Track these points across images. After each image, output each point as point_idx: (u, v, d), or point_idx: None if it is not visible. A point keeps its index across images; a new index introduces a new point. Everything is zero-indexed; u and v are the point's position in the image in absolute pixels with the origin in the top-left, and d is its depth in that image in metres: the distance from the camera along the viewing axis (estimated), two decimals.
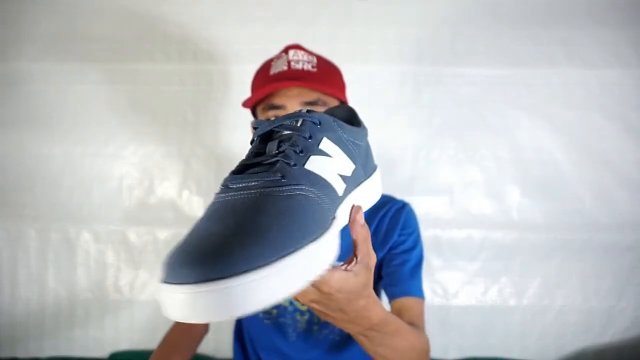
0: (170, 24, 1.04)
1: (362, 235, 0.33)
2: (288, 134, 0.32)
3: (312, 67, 0.63)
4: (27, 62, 1.04)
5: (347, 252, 0.35)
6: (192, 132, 1.05)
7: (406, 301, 0.64)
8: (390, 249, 0.68)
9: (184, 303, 0.21)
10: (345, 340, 0.69)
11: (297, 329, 0.70)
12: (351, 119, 0.43)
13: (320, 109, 0.60)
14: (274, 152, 0.31)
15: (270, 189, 0.28)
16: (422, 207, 1.02)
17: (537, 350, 1.04)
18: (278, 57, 0.65)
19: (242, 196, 0.27)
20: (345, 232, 0.34)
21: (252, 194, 0.27)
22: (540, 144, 1.03)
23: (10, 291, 1.06)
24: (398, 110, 1.04)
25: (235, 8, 1.03)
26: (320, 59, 0.65)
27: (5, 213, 1.05)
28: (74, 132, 1.05)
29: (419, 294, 0.66)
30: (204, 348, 1.00)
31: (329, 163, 0.32)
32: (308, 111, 0.34)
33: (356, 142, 0.37)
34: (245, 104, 0.65)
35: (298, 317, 0.70)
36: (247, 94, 0.66)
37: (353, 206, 0.35)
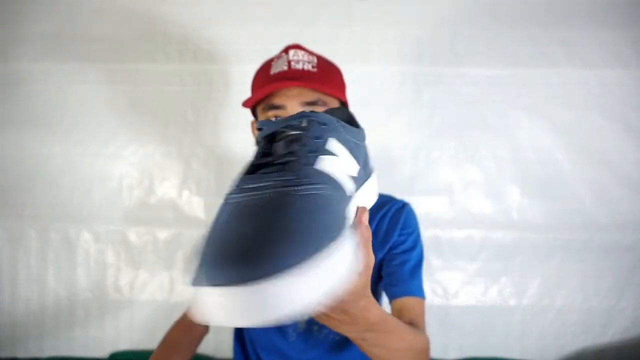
0: (170, 24, 1.04)
1: (366, 236, 0.33)
2: (296, 134, 0.32)
3: (312, 67, 0.63)
4: (27, 62, 1.04)
5: None
6: (192, 132, 1.05)
7: (407, 301, 0.64)
8: (390, 249, 0.67)
9: (226, 305, 0.21)
10: (345, 340, 0.69)
11: (297, 328, 0.70)
12: (350, 120, 0.43)
13: (320, 109, 0.60)
14: (283, 152, 0.31)
15: (286, 188, 0.27)
16: (422, 207, 1.02)
17: (537, 350, 1.04)
18: (278, 57, 0.65)
19: (259, 196, 0.27)
20: None
21: (269, 194, 0.27)
22: (540, 144, 1.03)
23: (10, 291, 1.06)
24: (398, 110, 1.04)
25: (235, 8, 1.03)
26: (320, 59, 0.65)
27: (5, 213, 1.05)
28: (74, 132, 1.05)
29: (420, 293, 0.66)
30: (204, 348, 1.00)
31: (337, 163, 0.32)
32: (311, 111, 0.34)
33: (358, 142, 0.37)
34: (245, 104, 0.65)
35: None
36: (247, 94, 0.66)
37: (358, 207, 0.35)
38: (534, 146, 1.03)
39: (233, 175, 1.10)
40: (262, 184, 0.28)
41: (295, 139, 0.32)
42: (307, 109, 0.60)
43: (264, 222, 0.24)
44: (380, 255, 0.67)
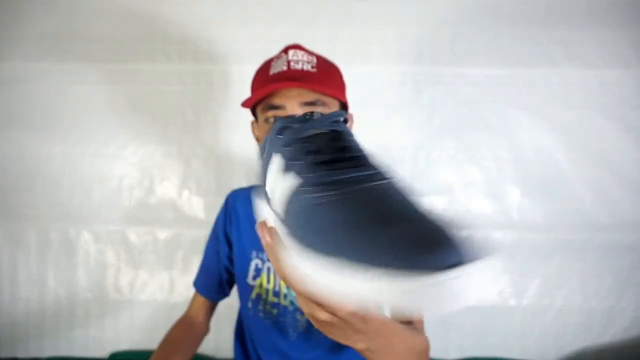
0: (170, 24, 1.04)
1: None
2: (335, 131, 0.32)
3: (312, 67, 0.62)
4: (27, 62, 1.04)
5: None
6: (192, 132, 1.05)
7: None
8: None
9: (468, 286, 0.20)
10: None
11: (298, 328, 0.71)
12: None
13: (319, 109, 0.60)
14: (338, 146, 0.31)
15: (385, 180, 0.27)
16: None
17: (537, 350, 1.04)
18: (278, 57, 0.65)
19: (367, 188, 0.26)
20: None
21: (378, 185, 0.27)
22: (540, 144, 1.03)
23: (10, 291, 1.06)
24: (398, 110, 1.04)
25: (235, 8, 1.03)
26: (320, 59, 0.65)
27: (5, 213, 1.05)
28: (74, 132, 1.05)
29: None
30: (205, 348, 1.00)
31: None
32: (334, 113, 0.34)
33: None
34: (244, 104, 0.65)
35: (298, 316, 0.70)
36: (247, 94, 0.66)
37: None
38: (534, 146, 1.03)
39: (233, 175, 1.10)
40: (365, 175, 0.27)
41: (337, 137, 0.32)
42: (307, 109, 0.60)
43: (413, 209, 0.24)
44: None
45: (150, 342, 1.04)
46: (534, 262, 1.03)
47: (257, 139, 0.70)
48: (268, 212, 0.35)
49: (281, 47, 0.67)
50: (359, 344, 0.36)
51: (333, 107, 0.63)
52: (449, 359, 1.05)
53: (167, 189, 1.06)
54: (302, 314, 0.70)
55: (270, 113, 0.61)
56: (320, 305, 0.31)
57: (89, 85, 1.05)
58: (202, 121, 1.05)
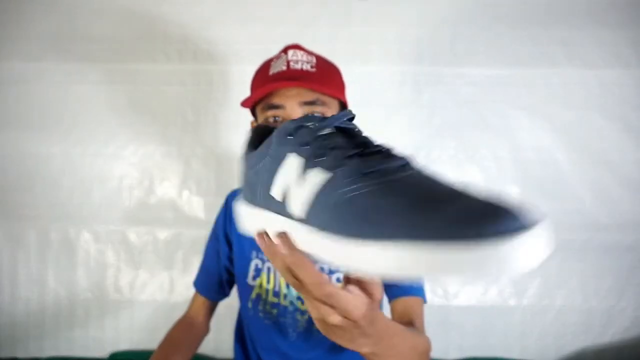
0: (170, 24, 1.04)
1: None
2: (349, 129, 0.34)
3: (311, 67, 0.63)
4: (27, 62, 1.04)
5: None
6: (192, 132, 1.05)
7: (407, 301, 0.64)
8: None
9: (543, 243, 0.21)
10: None
11: (298, 328, 0.71)
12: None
13: (318, 109, 0.60)
14: (361, 142, 0.32)
15: (414, 169, 0.29)
16: None
17: (537, 350, 1.04)
18: (277, 57, 0.65)
19: (406, 175, 0.28)
20: None
21: (411, 173, 0.28)
22: (540, 144, 1.03)
23: (10, 291, 1.06)
24: (398, 110, 1.04)
25: (235, 8, 1.03)
26: (319, 59, 0.65)
27: (5, 213, 1.05)
28: (74, 132, 1.05)
29: (419, 293, 0.66)
30: (205, 348, 1.00)
31: None
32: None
33: None
34: (244, 104, 0.65)
35: (298, 317, 0.70)
36: (247, 93, 0.66)
37: None
38: (534, 146, 1.03)
39: (233, 175, 1.10)
40: (383, 167, 0.28)
41: (354, 134, 0.33)
42: (306, 108, 0.60)
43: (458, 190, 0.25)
44: None
45: (150, 342, 1.04)
46: None
47: None
48: (270, 219, 0.34)
49: (281, 47, 0.67)
50: (364, 348, 0.36)
51: (333, 106, 0.63)
52: (449, 359, 1.05)
53: (167, 189, 1.06)
54: (302, 314, 0.70)
55: (270, 113, 0.61)
56: (333, 308, 0.31)
57: (89, 85, 1.05)
58: (202, 121, 1.05)
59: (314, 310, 0.32)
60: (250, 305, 0.73)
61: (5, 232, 1.06)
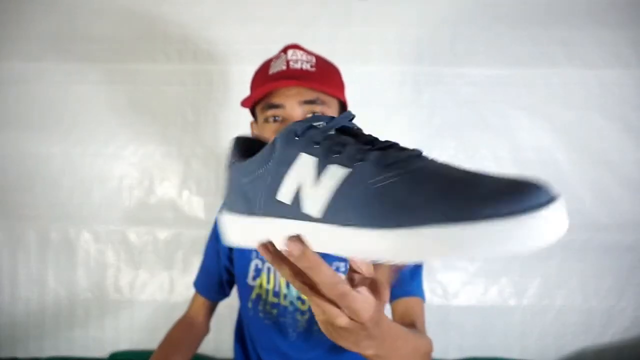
0: (170, 24, 1.04)
1: None
2: (356, 128, 0.35)
3: (311, 66, 0.63)
4: (27, 62, 1.04)
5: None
6: (192, 132, 1.05)
7: (408, 301, 0.64)
8: None
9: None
10: None
11: (298, 328, 0.71)
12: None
13: (318, 108, 0.61)
14: (369, 139, 0.33)
15: (428, 159, 0.30)
16: None
17: (537, 350, 1.04)
18: (277, 57, 0.65)
19: (424, 164, 0.29)
20: None
21: (427, 162, 0.29)
22: (540, 144, 1.03)
23: (10, 291, 1.06)
24: (398, 110, 1.04)
25: (235, 8, 1.03)
26: (319, 59, 0.65)
27: (5, 213, 1.05)
28: (74, 132, 1.05)
29: (420, 294, 0.66)
30: (204, 348, 1.00)
31: None
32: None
33: None
34: (244, 103, 0.65)
35: (298, 317, 0.70)
36: (247, 93, 0.66)
37: None
38: (534, 146, 1.03)
39: None
40: (410, 156, 0.29)
41: (361, 132, 0.35)
42: (306, 107, 0.60)
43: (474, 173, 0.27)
44: None
45: (150, 342, 1.04)
46: (534, 262, 1.03)
47: None
48: (275, 226, 0.33)
49: (281, 47, 0.67)
50: (368, 350, 0.36)
51: (332, 106, 0.63)
52: (449, 359, 1.05)
53: (167, 189, 1.06)
54: (302, 314, 0.70)
55: (270, 112, 0.61)
56: (340, 309, 0.31)
57: (89, 85, 1.05)
58: (202, 121, 1.05)
59: (321, 313, 0.32)
60: (250, 305, 0.73)
61: (5, 232, 1.06)
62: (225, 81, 1.04)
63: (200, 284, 0.80)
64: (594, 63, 1.01)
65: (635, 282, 1.03)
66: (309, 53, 0.65)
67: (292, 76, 0.60)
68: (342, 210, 0.29)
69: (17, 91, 1.05)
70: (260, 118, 0.64)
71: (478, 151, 1.04)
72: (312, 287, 0.31)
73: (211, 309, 0.80)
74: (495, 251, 0.23)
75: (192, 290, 0.81)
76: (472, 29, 1.02)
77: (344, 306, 0.30)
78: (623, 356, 1.04)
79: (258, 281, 0.72)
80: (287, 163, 0.32)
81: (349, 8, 1.03)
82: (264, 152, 0.34)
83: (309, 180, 0.31)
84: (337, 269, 0.65)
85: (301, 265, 0.29)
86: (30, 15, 1.04)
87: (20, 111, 1.05)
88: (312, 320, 0.69)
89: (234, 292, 0.79)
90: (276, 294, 0.71)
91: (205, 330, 0.79)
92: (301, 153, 0.32)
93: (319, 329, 0.35)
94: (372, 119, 1.00)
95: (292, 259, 0.29)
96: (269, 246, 0.32)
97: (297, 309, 0.70)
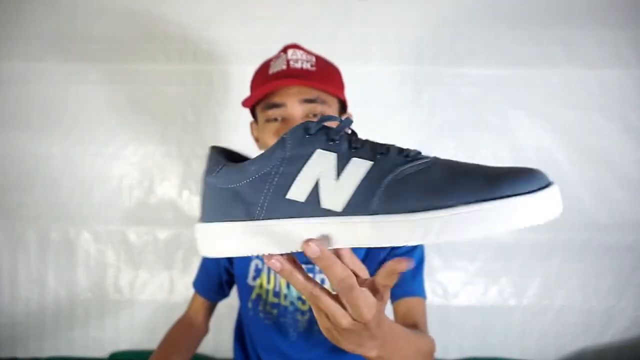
0: (170, 24, 1.04)
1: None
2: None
3: (311, 65, 0.63)
4: (27, 62, 1.04)
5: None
6: (192, 132, 1.05)
7: (409, 301, 0.64)
8: (392, 249, 0.68)
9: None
10: None
11: (298, 328, 0.70)
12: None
13: (319, 107, 0.61)
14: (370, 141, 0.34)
15: (433, 156, 0.32)
16: None
17: (537, 350, 1.04)
18: (277, 56, 0.65)
19: (434, 158, 0.32)
20: None
21: (433, 160, 0.32)
22: (540, 144, 1.03)
23: (10, 291, 1.06)
24: (398, 110, 1.04)
25: (235, 8, 1.03)
26: (318, 58, 0.65)
27: (5, 213, 1.05)
28: (73, 132, 1.05)
29: (421, 293, 0.66)
30: (204, 348, 1.00)
31: None
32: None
33: None
34: (245, 103, 0.65)
35: (299, 317, 0.70)
36: (247, 93, 0.66)
37: None
38: (534, 146, 1.03)
39: None
40: (410, 157, 0.31)
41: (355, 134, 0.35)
42: (307, 106, 0.60)
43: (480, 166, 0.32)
44: (383, 256, 0.68)
45: (150, 342, 1.04)
46: (534, 262, 1.03)
47: (256, 140, 0.70)
48: (284, 227, 0.32)
49: (281, 47, 0.67)
50: (372, 352, 0.35)
51: (333, 105, 0.64)
52: (449, 359, 1.05)
53: (167, 189, 1.06)
54: (303, 314, 0.70)
55: (271, 112, 0.61)
56: (345, 309, 0.31)
57: (89, 85, 1.05)
58: (202, 121, 1.05)
59: (324, 318, 0.33)
60: (250, 305, 0.73)
61: (5, 232, 1.06)
62: (225, 81, 1.04)
63: (200, 284, 0.80)
64: (594, 63, 1.01)
65: (635, 282, 1.03)
66: (308, 53, 0.65)
67: (293, 75, 0.60)
68: (367, 200, 0.29)
69: (17, 91, 1.05)
70: (261, 118, 0.64)
71: (478, 151, 1.04)
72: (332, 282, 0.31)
73: (210, 309, 0.80)
74: (521, 224, 0.29)
75: (191, 291, 0.81)
76: (472, 29, 1.02)
77: (350, 303, 0.30)
78: (623, 356, 1.04)
79: (258, 281, 0.72)
80: (301, 160, 0.32)
81: (349, 8, 1.03)
82: (267, 152, 0.33)
83: (330, 175, 0.31)
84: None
85: (320, 264, 0.29)
86: (30, 15, 1.04)
87: (20, 111, 1.05)
88: (312, 320, 0.69)
89: (234, 292, 0.79)
90: (276, 294, 0.71)
91: (205, 330, 0.79)
92: (318, 150, 0.32)
93: (320, 329, 0.35)
94: (372, 119, 1.01)
95: (313, 260, 0.29)
96: (279, 259, 0.31)
97: (297, 309, 0.70)
